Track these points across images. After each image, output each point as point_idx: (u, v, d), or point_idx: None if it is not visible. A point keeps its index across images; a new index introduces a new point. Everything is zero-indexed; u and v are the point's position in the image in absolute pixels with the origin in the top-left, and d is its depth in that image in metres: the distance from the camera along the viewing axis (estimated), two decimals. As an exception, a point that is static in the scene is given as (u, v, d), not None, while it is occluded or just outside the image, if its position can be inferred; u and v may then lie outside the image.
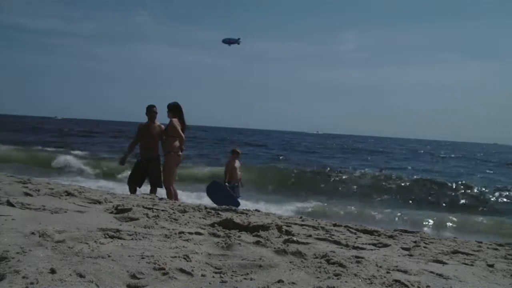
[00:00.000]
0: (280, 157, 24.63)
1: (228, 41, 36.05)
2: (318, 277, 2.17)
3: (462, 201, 13.80)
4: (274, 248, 2.63)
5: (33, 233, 2.38)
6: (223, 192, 8.00)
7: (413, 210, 11.65)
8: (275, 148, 34.28)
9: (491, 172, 23.56)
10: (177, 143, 6.78)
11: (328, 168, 18.42)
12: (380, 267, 2.43)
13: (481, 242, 4.18)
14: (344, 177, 16.40)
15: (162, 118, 7.02)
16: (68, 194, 4.23)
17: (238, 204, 7.70)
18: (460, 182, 15.95)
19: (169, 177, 6.82)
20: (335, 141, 59.16)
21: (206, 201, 7.91)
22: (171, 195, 6.76)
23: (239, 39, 36.08)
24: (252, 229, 3.18)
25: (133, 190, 6.88)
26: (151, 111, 6.95)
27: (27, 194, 3.97)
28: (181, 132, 6.74)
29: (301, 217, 5.08)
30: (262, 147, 34.60)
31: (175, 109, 6.83)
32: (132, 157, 7.63)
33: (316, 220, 4.80)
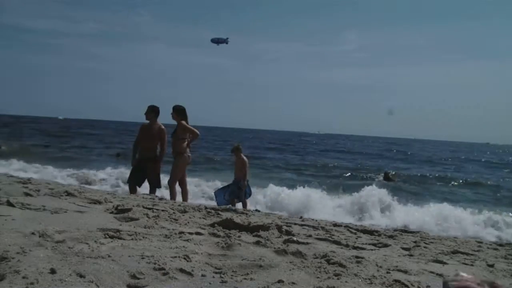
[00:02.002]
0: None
1: (217, 41, 36.48)
2: (318, 277, 2.16)
3: None
4: (274, 248, 2.63)
5: (33, 233, 2.38)
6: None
7: None
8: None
9: None
10: (185, 144, 6.86)
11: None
12: (380, 267, 2.43)
13: (481, 242, 4.18)
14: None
15: (164, 118, 7.05)
16: (68, 194, 4.24)
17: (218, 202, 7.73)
18: None
19: (175, 177, 6.88)
20: (356, 142, 56.62)
21: (206, 201, 7.92)
22: (175, 195, 6.81)
23: (227, 38, 36.53)
24: (252, 229, 3.18)
25: (133, 190, 6.90)
26: (151, 111, 6.97)
27: (27, 194, 3.97)
28: (194, 129, 6.83)
29: (301, 217, 5.08)
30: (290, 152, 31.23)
31: (181, 113, 6.91)
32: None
33: (316, 220, 4.80)
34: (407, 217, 8.95)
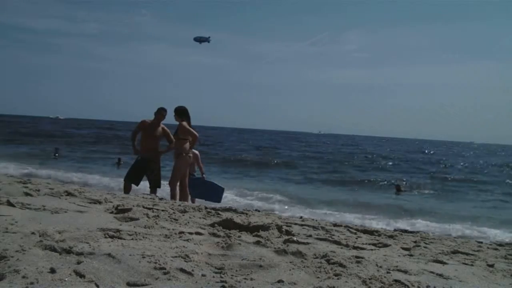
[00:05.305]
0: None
1: (199, 39, 37.76)
2: (318, 277, 2.16)
3: None
4: (274, 248, 2.63)
5: (33, 233, 2.38)
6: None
7: None
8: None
9: None
10: (187, 145, 6.87)
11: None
12: (380, 267, 2.43)
13: (481, 242, 4.19)
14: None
15: (166, 119, 7.08)
16: (68, 194, 4.24)
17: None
18: None
19: (176, 177, 6.88)
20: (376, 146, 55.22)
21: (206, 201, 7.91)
22: (175, 195, 6.80)
23: (209, 37, 37.88)
24: (252, 229, 3.18)
25: (128, 188, 6.89)
26: (160, 113, 6.98)
27: (27, 194, 3.97)
28: (193, 131, 6.84)
29: (301, 217, 5.08)
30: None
31: (182, 113, 6.93)
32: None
33: (316, 220, 4.80)
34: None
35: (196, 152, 8.09)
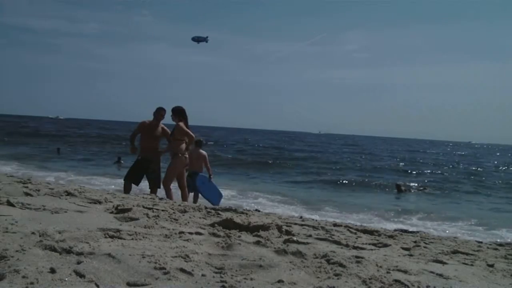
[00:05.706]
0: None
1: (197, 39, 37.94)
2: (318, 277, 2.17)
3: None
4: (274, 248, 2.63)
5: (33, 233, 2.39)
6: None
7: None
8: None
9: None
10: (183, 146, 6.85)
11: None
12: (380, 267, 2.43)
13: (481, 242, 4.18)
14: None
15: (165, 119, 7.09)
16: (68, 194, 4.24)
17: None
18: None
19: (171, 177, 6.87)
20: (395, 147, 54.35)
21: (206, 201, 7.92)
22: (171, 195, 6.80)
23: (207, 37, 38.05)
24: (252, 229, 3.18)
25: (128, 188, 6.89)
26: (159, 113, 6.98)
27: (27, 194, 3.97)
28: (190, 132, 6.83)
29: (301, 217, 5.08)
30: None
31: (180, 113, 6.91)
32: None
33: (316, 220, 4.80)
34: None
35: (204, 153, 8.15)
